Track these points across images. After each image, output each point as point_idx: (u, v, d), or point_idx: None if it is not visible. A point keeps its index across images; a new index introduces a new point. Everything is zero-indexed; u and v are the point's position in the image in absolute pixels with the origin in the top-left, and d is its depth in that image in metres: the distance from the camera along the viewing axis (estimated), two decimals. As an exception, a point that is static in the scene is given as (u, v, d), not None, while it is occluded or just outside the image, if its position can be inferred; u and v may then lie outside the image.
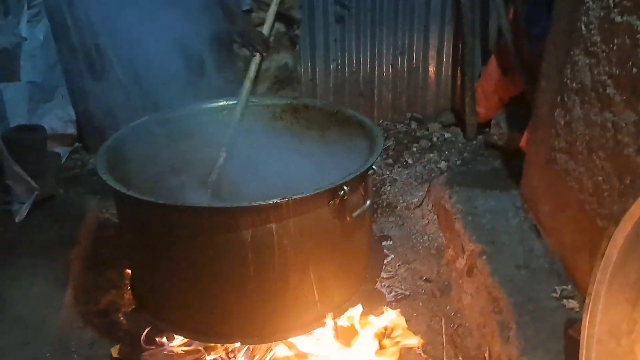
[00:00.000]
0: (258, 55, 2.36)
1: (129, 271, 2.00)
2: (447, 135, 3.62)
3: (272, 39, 2.48)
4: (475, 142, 3.45)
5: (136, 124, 2.04)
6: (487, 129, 3.35)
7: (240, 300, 1.60)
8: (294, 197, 1.48)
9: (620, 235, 1.38)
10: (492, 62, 3.27)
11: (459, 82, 3.64)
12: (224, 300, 1.61)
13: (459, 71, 3.62)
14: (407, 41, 3.61)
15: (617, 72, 1.60)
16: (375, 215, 2.90)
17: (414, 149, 3.51)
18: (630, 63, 1.52)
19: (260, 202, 1.46)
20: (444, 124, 3.73)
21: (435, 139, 3.60)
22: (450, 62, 3.69)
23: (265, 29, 2.39)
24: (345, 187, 1.57)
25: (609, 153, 1.64)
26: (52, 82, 3.19)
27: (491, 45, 3.41)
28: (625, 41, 1.55)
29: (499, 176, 2.80)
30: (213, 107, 2.21)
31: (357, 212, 1.66)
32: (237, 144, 2.22)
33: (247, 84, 2.24)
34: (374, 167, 1.71)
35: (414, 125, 3.80)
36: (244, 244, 1.50)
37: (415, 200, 2.99)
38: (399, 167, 3.32)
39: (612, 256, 1.41)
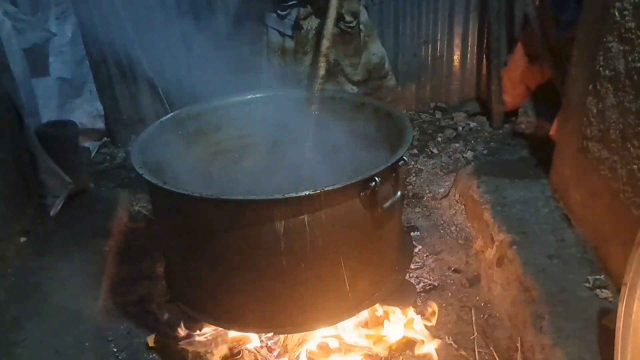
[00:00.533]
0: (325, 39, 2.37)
1: (163, 262, 2.04)
2: (472, 124, 3.59)
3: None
4: (501, 131, 3.41)
5: (167, 119, 2.06)
6: (514, 118, 3.32)
7: (273, 291, 1.63)
8: (326, 188, 1.49)
9: (658, 224, 1.37)
10: (519, 49, 3.22)
11: (484, 71, 3.60)
12: (257, 290, 1.64)
13: (484, 59, 3.57)
14: (431, 30, 3.57)
15: (654, 58, 1.57)
16: (402, 206, 2.91)
17: (439, 139, 3.49)
18: (668, 49, 1.49)
19: (293, 194, 1.47)
20: (469, 113, 3.69)
21: (460, 128, 3.58)
22: (475, 51, 3.64)
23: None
24: (376, 179, 1.58)
25: (645, 141, 1.62)
26: (81, 78, 3.25)
27: (517, 33, 3.36)
28: (662, 27, 1.52)
29: (528, 165, 2.77)
30: (241, 100, 2.23)
31: (388, 203, 1.66)
32: (266, 136, 2.24)
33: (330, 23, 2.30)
34: (404, 157, 1.71)
35: (438, 114, 3.78)
36: (277, 235, 1.52)
37: (442, 190, 2.98)
38: (424, 157, 3.30)
39: (649, 247, 1.39)
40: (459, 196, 2.80)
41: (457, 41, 3.63)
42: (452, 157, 3.27)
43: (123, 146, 3.52)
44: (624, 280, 1.44)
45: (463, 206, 2.74)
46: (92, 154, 3.38)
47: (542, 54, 2.98)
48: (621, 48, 1.75)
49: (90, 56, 3.29)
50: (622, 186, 1.75)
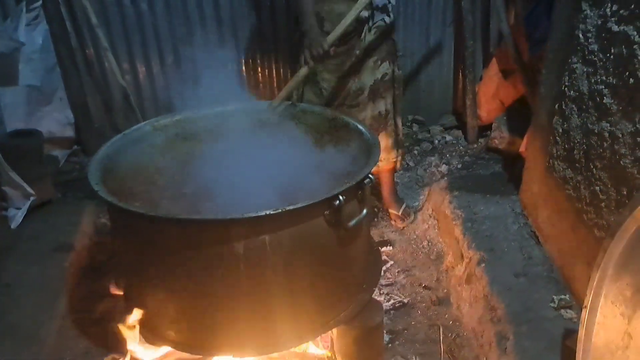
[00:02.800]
0: (306, 66, 2.18)
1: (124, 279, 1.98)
2: (448, 138, 3.60)
3: (333, 48, 2.21)
4: (476, 145, 3.42)
5: (131, 131, 2.02)
6: (489, 132, 3.33)
7: (233, 313, 1.58)
8: (288, 208, 1.46)
9: (616, 248, 1.36)
10: (493, 65, 3.24)
11: (460, 85, 3.62)
12: (216, 312, 1.59)
13: (460, 74, 3.59)
14: (408, 44, 3.58)
15: (614, 81, 1.57)
16: (375, 219, 2.89)
17: (415, 152, 3.50)
18: (627, 73, 1.49)
19: (252, 214, 1.44)
20: (446, 127, 3.71)
21: (436, 141, 3.59)
22: (451, 65, 3.66)
23: (331, 37, 2.13)
24: (340, 197, 1.55)
25: (606, 163, 1.62)
26: (51, 86, 3.18)
27: (492, 48, 3.39)
28: (622, 51, 1.52)
29: (500, 181, 2.78)
30: (210, 112, 2.20)
31: (353, 221, 1.64)
32: (234, 149, 2.20)
33: (285, 92, 2.15)
34: (370, 176, 1.69)
35: (415, 127, 3.79)
36: (236, 256, 1.49)
37: (417, 204, 2.98)
38: (400, 170, 3.30)
39: (607, 269, 1.39)
40: (432, 211, 2.80)
41: (433, 55, 3.64)
42: (428, 171, 3.27)
43: (93, 155, 3.45)
44: (584, 303, 1.43)
45: (436, 221, 2.74)
46: (61, 163, 3.30)
47: (515, 70, 3.00)
48: (585, 69, 1.76)
49: (62, 63, 3.23)
50: (585, 207, 1.76)
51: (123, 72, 3.32)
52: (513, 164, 2.82)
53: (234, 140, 2.18)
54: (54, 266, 2.17)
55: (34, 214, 2.45)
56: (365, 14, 2.36)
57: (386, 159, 2.67)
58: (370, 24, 2.43)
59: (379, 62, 2.50)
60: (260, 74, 3.50)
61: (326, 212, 1.57)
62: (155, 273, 1.59)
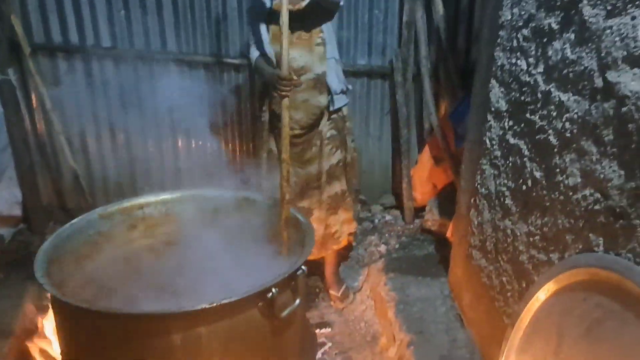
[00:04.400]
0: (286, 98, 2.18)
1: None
2: (388, 217, 3.82)
3: (295, 77, 2.26)
4: (412, 225, 3.65)
5: (78, 221, 2.11)
6: (424, 214, 3.56)
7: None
8: (223, 301, 1.57)
9: (515, 337, 1.54)
10: (426, 151, 3.53)
11: (398, 168, 3.88)
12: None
13: (398, 158, 3.86)
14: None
15: (513, 185, 1.81)
16: (316, 300, 3.01)
17: (358, 231, 3.67)
18: (521, 180, 1.74)
19: (189, 308, 1.54)
20: (385, 206, 3.93)
21: (377, 220, 3.79)
22: (390, 149, 3.93)
23: (284, 67, 2.14)
24: (273, 289, 1.68)
25: (510, 257, 1.83)
26: (1, 165, 3.24)
27: (426, 136, 3.69)
28: (517, 160, 1.77)
29: (432, 262, 2.97)
30: (156, 200, 2.31)
31: (286, 311, 1.75)
32: (179, 236, 2.31)
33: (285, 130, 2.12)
34: (303, 267, 1.83)
35: (358, 206, 3.99)
36: (173, 349, 1.57)
37: (356, 284, 3.12)
38: (343, 249, 3.46)
39: (510, 357, 1.56)
40: (370, 292, 2.95)
41: (373, 140, 3.91)
42: (368, 250, 3.44)
43: (40, 233, 3.47)
44: (492, 388, 1.59)
45: (373, 302, 2.88)
46: (6, 242, 3.31)
47: (445, 158, 3.29)
48: (492, 172, 2.01)
49: (14, 144, 3.30)
50: (497, 295, 1.95)
51: (74, 153, 3.43)
52: (444, 246, 3.03)
53: (179, 229, 2.30)
54: (-10, 354, 2.16)
55: (-26, 298, 2.44)
56: (324, 101, 2.59)
57: (347, 230, 2.87)
58: (331, 108, 2.66)
59: (334, 150, 2.73)
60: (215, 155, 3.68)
61: (260, 304, 1.68)
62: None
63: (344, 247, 2.98)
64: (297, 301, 1.81)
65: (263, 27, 2.55)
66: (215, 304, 1.56)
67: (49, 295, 1.77)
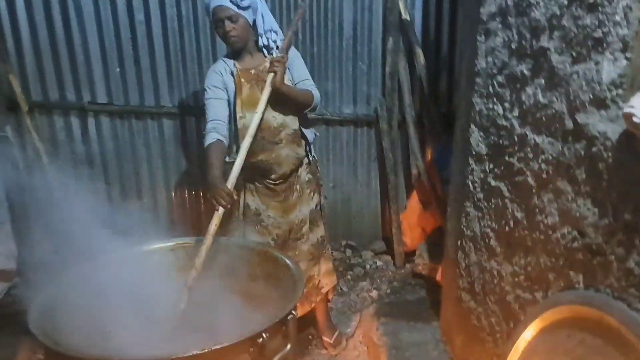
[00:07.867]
0: (221, 208, 2.23)
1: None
2: (379, 263, 3.84)
3: (235, 191, 2.31)
4: (403, 270, 3.67)
5: (72, 272, 2.13)
6: (414, 258, 3.59)
7: None
8: (214, 347, 1.58)
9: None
10: (414, 196, 3.60)
11: (387, 213, 3.93)
12: None
13: (387, 203, 3.93)
14: (337, 176, 3.93)
15: (496, 227, 1.87)
16: (309, 347, 2.99)
17: (349, 277, 3.69)
18: (504, 221, 1.79)
19: (180, 355, 1.55)
20: (376, 252, 3.96)
21: (368, 266, 3.81)
22: (378, 195, 3.99)
23: (229, 182, 2.24)
24: (264, 335, 1.69)
25: (497, 298, 1.86)
26: (-2, 219, 3.26)
27: (414, 181, 3.77)
28: (499, 202, 1.84)
29: (424, 306, 2.98)
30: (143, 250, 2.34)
31: (277, 356, 1.76)
32: (166, 286, 2.32)
33: (208, 239, 2.18)
34: (293, 312, 1.85)
35: (349, 252, 4.02)
36: (164, 396, 1.57)
37: (349, 330, 3.11)
38: (334, 296, 3.46)
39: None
40: (363, 337, 2.93)
41: (362, 186, 3.99)
42: (360, 296, 3.44)
43: (35, 287, 3.44)
44: None
45: (366, 348, 2.86)
46: (1, 296, 3.28)
47: (432, 202, 3.35)
48: (476, 214, 2.07)
49: (10, 200, 3.34)
50: (486, 336, 1.97)
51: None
52: (435, 290, 3.05)
53: (170, 277, 2.31)
54: (-22, 412, 2.11)
55: (-37, 354, 2.41)
56: (302, 152, 2.67)
57: (330, 281, 2.86)
58: (310, 158, 2.72)
59: (312, 194, 2.78)
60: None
61: (251, 349, 1.69)
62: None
63: (327, 299, 2.97)
64: (288, 346, 1.82)
65: (223, 104, 2.51)
66: (206, 350, 1.56)
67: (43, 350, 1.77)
